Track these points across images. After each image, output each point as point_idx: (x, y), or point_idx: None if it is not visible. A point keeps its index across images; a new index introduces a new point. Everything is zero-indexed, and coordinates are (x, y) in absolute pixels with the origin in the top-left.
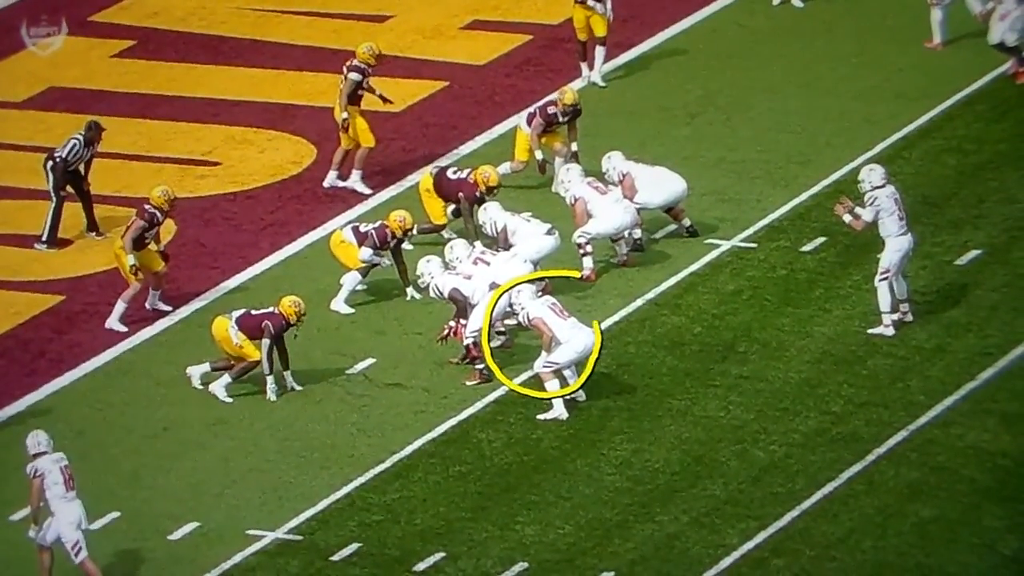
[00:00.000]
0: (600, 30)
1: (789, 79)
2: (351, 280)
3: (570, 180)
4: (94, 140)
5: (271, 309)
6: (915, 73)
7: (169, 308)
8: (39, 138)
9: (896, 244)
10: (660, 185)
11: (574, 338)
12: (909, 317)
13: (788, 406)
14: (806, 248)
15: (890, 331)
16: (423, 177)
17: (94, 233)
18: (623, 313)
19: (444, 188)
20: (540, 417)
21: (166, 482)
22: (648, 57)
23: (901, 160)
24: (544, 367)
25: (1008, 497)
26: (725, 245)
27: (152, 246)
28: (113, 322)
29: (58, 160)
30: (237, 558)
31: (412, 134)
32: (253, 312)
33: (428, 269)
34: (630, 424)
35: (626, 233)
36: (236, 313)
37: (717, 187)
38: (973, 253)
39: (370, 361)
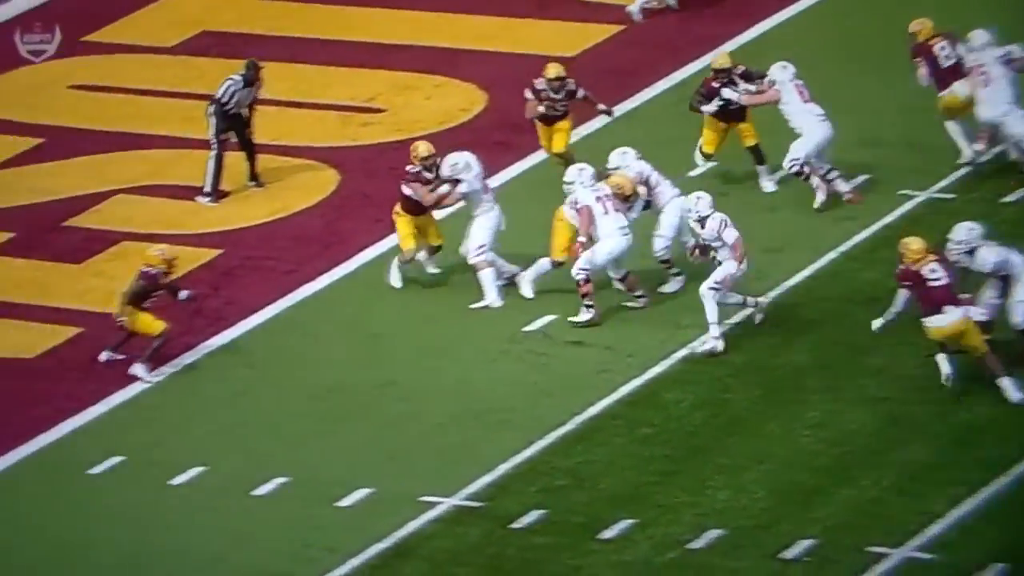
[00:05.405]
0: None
1: None
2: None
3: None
4: (253, 80)
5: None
6: None
7: (120, 357)
8: (191, 84)
9: None
10: None
11: (610, 237)
12: None
13: None
14: (1009, 199)
15: None
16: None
17: (255, 183)
18: (815, 267)
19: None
20: (572, 320)
21: (334, 445)
22: None
23: None
24: (579, 273)
25: None
26: (921, 196)
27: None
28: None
29: (218, 104)
30: (412, 526)
31: (587, 82)
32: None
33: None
34: (825, 383)
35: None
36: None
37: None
38: None
39: (550, 318)
